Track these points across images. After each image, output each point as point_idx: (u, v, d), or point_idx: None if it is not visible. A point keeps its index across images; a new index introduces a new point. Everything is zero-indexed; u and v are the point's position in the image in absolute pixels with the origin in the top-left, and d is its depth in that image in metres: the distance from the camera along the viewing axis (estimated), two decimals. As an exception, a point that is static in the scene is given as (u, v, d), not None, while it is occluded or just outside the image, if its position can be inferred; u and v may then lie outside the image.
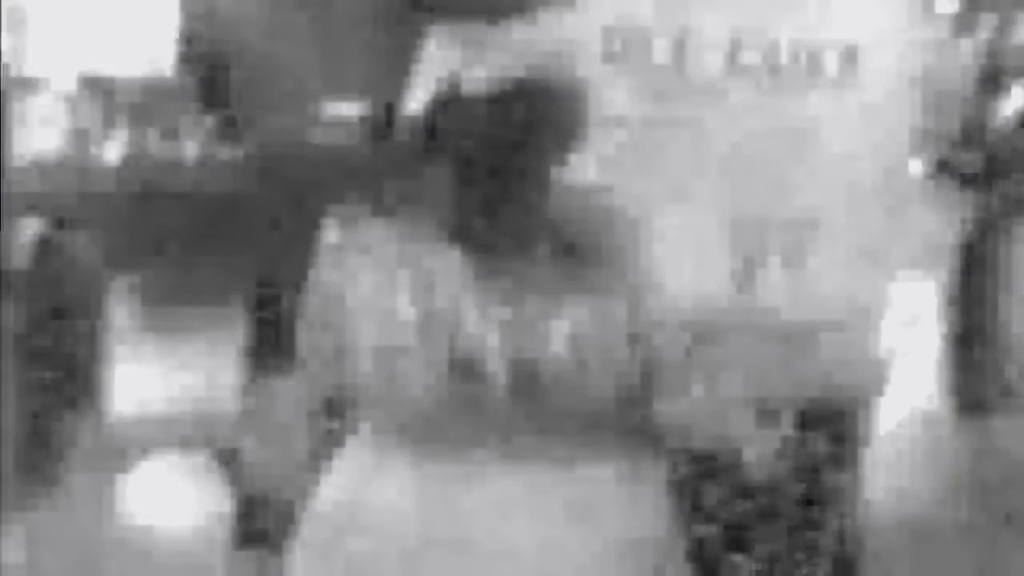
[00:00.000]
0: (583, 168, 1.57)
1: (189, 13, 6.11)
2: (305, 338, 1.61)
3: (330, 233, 1.59)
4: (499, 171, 1.53)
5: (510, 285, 1.51)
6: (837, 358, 2.13)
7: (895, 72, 2.33)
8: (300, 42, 6.08)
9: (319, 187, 3.13)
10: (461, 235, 1.54)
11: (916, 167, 2.99)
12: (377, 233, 1.57)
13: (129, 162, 5.98)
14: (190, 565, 2.88)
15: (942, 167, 3.95)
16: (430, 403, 1.49)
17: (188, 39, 6.30)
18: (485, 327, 1.47)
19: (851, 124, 2.35)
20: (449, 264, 1.52)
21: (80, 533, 3.10)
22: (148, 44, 6.20)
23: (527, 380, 1.48)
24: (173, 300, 5.12)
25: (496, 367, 1.45)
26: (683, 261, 1.72)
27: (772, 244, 2.17)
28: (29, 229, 3.44)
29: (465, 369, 1.47)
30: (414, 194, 1.60)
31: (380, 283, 1.52)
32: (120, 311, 4.10)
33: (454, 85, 1.50)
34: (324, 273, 1.57)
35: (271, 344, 2.84)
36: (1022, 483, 3.21)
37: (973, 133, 4.07)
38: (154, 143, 6.11)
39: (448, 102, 1.50)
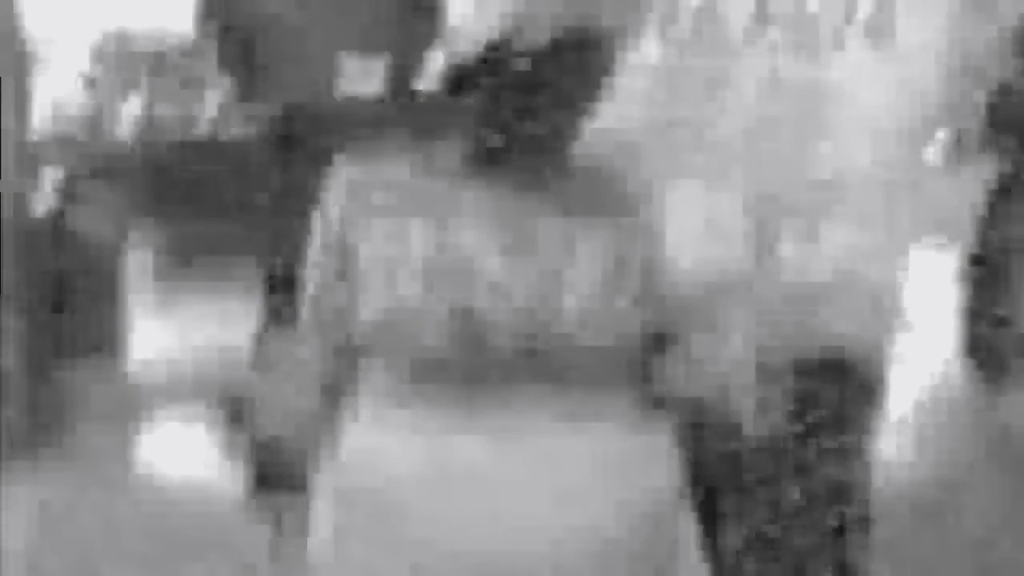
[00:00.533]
0: (608, 117, 1.56)
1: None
2: (313, 281, 1.60)
3: (343, 168, 1.58)
4: (526, 116, 1.53)
5: (526, 231, 1.50)
6: (850, 315, 2.11)
7: (927, 37, 2.30)
8: (320, 7, 6.06)
9: (343, 140, 3.14)
10: (480, 176, 1.54)
11: (941, 136, 2.97)
12: (392, 170, 1.55)
13: (147, 119, 6.00)
14: (206, 511, 2.91)
15: (967, 138, 3.91)
16: (440, 349, 1.48)
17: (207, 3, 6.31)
18: (498, 273, 1.46)
19: (879, 86, 2.32)
20: (465, 206, 1.51)
21: (95, 480, 3.14)
22: (167, 1, 6.19)
23: (539, 329, 1.47)
24: (190, 252, 5.15)
25: (508, 315, 1.45)
26: (699, 219, 1.71)
27: (790, 205, 2.15)
28: (51, 178, 3.46)
29: (477, 316, 1.46)
30: (436, 132, 1.60)
31: (394, 222, 1.51)
32: (138, 262, 4.13)
33: (490, 36, 1.50)
34: (336, 210, 1.55)
35: (285, 297, 2.86)
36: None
37: (1000, 106, 4.03)
38: (172, 100, 6.12)
39: (485, 51, 1.51)
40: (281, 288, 2.86)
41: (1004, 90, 4.21)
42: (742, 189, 2.07)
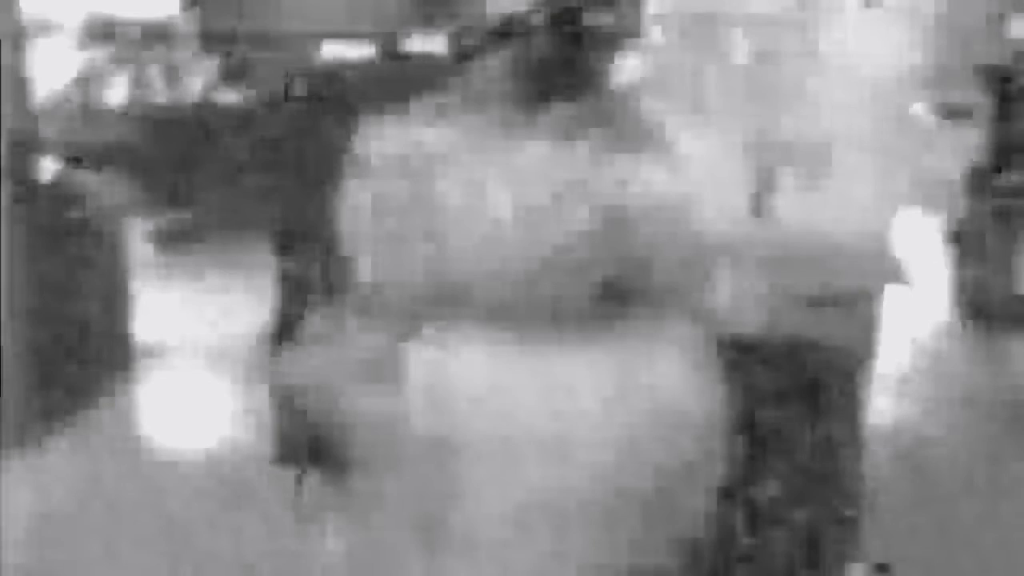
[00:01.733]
0: (631, 70, 1.64)
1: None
2: (369, 248, 1.60)
3: (420, 122, 1.62)
4: (561, 71, 1.61)
5: (580, 171, 1.57)
6: (850, 262, 2.20)
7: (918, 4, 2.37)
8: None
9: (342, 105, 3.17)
10: (526, 125, 1.60)
11: (930, 101, 3.03)
12: (465, 122, 1.60)
13: (133, 103, 5.99)
14: (230, 480, 2.95)
15: (953, 105, 3.99)
16: (525, 291, 1.52)
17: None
18: (573, 212, 1.51)
19: (871, 50, 2.38)
20: (532, 153, 1.56)
21: (116, 452, 3.17)
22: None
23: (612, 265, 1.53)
24: (191, 235, 5.17)
25: (594, 250, 1.51)
26: (705, 174, 1.77)
27: (789, 163, 2.22)
28: (48, 169, 3.47)
29: (565, 255, 1.51)
30: (486, 88, 1.66)
31: (472, 173, 1.54)
32: (140, 245, 4.13)
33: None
34: (406, 164, 1.57)
35: (301, 267, 2.89)
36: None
37: (989, 72, 4.11)
38: (157, 84, 6.11)
39: (522, 14, 1.60)
40: (298, 258, 2.89)
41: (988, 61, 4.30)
42: (743, 145, 2.14)
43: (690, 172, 1.64)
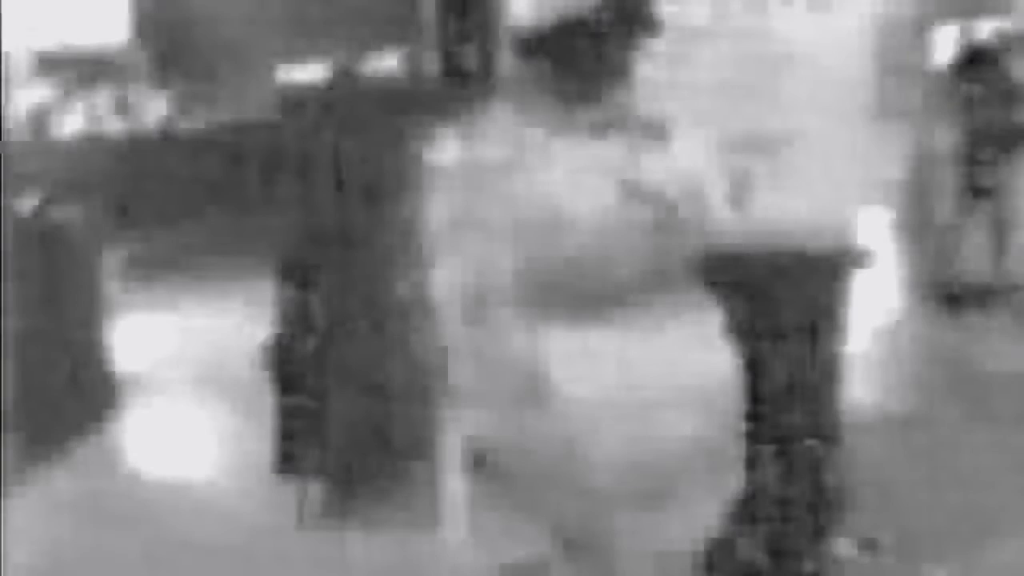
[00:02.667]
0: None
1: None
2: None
3: (483, 129, 1.83)
4: (589, 70, 1.82)
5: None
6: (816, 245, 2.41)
7: (864, 9, 2.58)
8: (259, 9, 6.12)
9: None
10: (570, 125, 1.80)
11: (875, 100, 3.24)
12: (564, 119, 1.82)
13: (85, 136, 5.99)
14: (229, 491, 3.01)
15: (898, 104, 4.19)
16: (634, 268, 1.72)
17: (143, 10, 6.33)
18: (630, 203, 1.73)
19: (823, 54, 2.58)
20: (592, 151, 1.77)
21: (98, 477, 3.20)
22: (102, 17, 6.21)
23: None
24: (167, 264, 5.18)
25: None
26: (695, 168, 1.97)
27: (757, 156, 2.40)
28: (24, 205, 3.53)
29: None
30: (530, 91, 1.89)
31: (546, 173, 1.74)
32: (116, 276, 4.16)
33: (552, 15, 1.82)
34: (481, 170, 1.76)
35: (302, 301, 2.97)
36: (988, 377, 3.50)
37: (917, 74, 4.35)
38: (109, 117, 6.12)
39: (550, 25, 1.81)
40: (297, 279, 2.97)
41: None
42: (716, 138, 2.34)
43: (684, 165, 1.86)
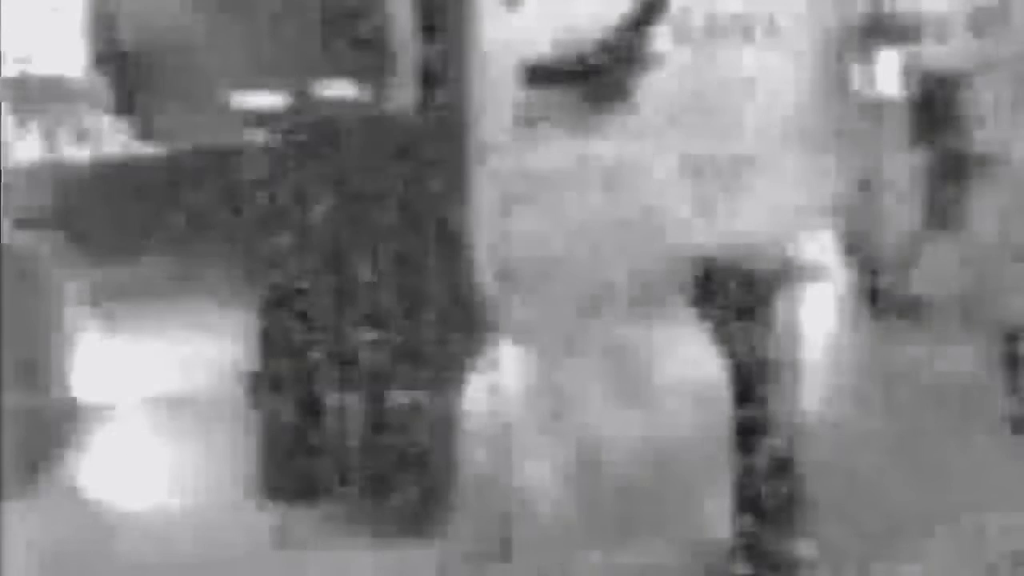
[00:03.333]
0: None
1: (98, 11, 6.14)
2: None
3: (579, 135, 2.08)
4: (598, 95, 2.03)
5: None
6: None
7: (810, 37, 2.75)
8: (213, 36, 6.17)
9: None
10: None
11: (822, 125, 3.40)
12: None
13: (42, 165, 5.98)
14: (208, 523, 3.02)
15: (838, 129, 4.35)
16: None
17: (98, 38, 6.33)
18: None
19: (774, 80, 2.73)
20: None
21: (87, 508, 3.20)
22: (57, 44, 6.21)
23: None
24: (130, 292, 5.18)
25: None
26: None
27: (719, 177, 2.55)
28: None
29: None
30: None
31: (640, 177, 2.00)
32: (78, 304, 4.17)
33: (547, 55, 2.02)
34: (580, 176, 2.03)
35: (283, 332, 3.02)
36: (931, 390, 3.65)
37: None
38: (66, 146, 6.11)
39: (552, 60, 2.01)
40: (277, 310, 3.01)
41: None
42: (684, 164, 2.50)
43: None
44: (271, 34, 5.85)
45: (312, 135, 3.37)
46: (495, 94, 2.59)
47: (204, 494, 3.18)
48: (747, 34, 2.58)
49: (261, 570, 2.68)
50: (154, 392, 3.98)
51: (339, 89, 4.80)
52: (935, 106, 4.18)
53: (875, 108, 4.43)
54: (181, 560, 2.78)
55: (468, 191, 2.82)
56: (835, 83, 4.15)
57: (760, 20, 2.67)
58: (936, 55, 4.45)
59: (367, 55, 3.81)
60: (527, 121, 2.37)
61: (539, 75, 2.10)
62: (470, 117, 2.81)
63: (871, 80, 4.63)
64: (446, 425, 2.82)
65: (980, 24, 4.24)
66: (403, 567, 2.45)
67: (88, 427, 3.76)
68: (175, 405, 3.69)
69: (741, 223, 2.62)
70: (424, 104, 3.14)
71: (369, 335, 3.01)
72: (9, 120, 6.10)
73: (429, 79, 3.23)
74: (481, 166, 2.79)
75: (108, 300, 5.24)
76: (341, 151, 3.30)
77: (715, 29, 2.56)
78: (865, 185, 4.40)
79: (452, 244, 2.80)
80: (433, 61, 3.10)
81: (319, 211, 3.26)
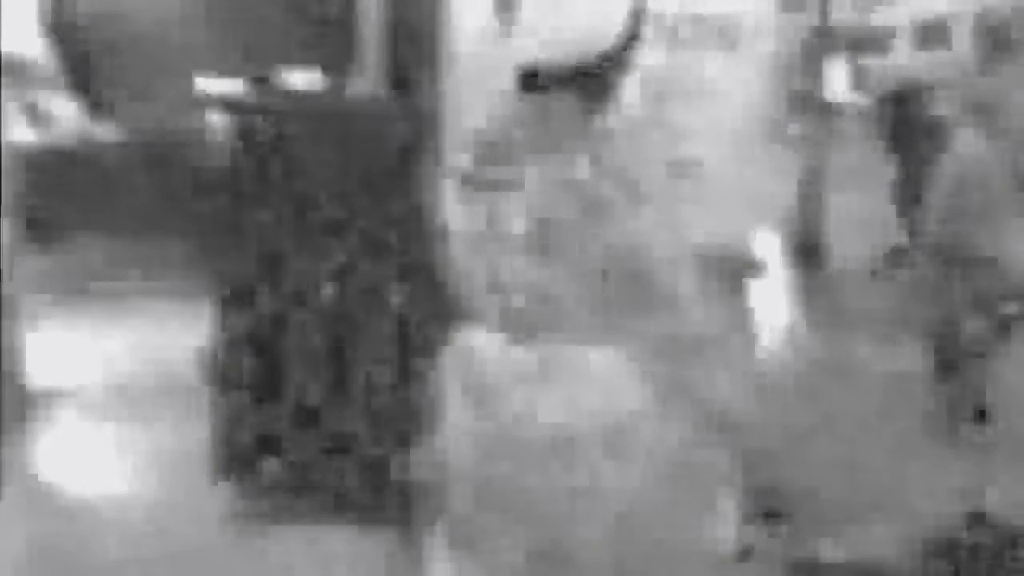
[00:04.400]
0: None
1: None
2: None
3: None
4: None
5: None
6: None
7: (765, 46, 2.89)
8: (174, 19, 6.14)
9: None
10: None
11: (775, 130, 3.55)
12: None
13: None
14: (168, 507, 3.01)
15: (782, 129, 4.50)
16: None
17: (54, 19, 6.27)
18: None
19: (730, 87, 2.87)
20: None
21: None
22: (11, 22, 6.14)
23: None
24: (81, 277, 5.13)
25: None
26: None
27: (679, 178, 2.67)
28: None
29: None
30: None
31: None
32: (28, 289, 4.13)
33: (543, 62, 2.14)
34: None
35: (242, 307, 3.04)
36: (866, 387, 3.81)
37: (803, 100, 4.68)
38: (19, 124, 6.04)
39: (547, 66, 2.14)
40: (239, 299, 3.02)
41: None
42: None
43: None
44: (235, 20, 5.86)
45: (275, 122, 3.39)
46: (470, 94, 2.66)
47: (163, 478, 3.19)
48: (705, 42, 2.71)
49: (222, 555, 2.71)
50: (111, 378, 3.98)
51: (303, 77, 4.81)
52: (893, 113, 4.36)
53: (827, 114, 4.59)
54: (142, 548, 2.79)
55: (431, 177, 2.89)
56: (789, 90, 4.30)
57: (720, 28, 2.79)
58: (885, 66, 4.61)
59: (332, 43, 3.84)
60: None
61: (533, 79, 2.25)
62: (439, 110, 2.89)
63: (823, 87, 4.79)
64: (412, 397, 2.90)
65: (926, 38, 4.42)
66: (367, 549, 2.50)
67: (41, 413, 3.74)
68: (132, 390, 3.69)
69: (695, 223, 2.75)
70: (393, 94, 3.20)
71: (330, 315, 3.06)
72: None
73: (400, 74, 3.29)
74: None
75: (59, 283, 5.19)
76: (304, 139, 3.32)
77: (675, 40, 2.69)
78: (814, 186, 4.56)
79: (416, 225, 2.89)
80: (405, 56, 3.15)
81: (279, 197, 3.28)
